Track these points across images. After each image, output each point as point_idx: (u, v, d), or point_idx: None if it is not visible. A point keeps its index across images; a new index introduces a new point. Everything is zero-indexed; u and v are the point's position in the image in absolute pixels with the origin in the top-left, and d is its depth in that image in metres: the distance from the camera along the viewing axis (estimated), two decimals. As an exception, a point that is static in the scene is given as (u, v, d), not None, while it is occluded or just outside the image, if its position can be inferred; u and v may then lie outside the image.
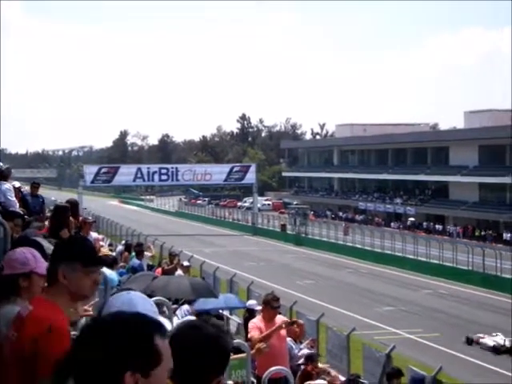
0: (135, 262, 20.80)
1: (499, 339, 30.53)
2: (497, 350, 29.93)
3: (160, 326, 2.32)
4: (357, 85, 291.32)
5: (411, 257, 55.69)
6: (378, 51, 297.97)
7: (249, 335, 11.19)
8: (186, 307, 15.87)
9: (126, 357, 2.20)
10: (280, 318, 11.50)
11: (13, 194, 12.22)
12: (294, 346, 14.51)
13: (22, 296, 4.55)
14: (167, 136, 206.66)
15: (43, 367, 3.58)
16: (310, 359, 13.55)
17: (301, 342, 15.96)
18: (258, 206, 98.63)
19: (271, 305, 11.28)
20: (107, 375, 2.20)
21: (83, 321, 5.66)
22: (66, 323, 3.98)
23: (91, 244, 4.42)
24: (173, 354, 2.34)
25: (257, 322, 11.33)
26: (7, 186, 11.98)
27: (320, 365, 15.28)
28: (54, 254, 4.19)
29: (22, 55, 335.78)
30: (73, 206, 11.28)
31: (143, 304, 3.36)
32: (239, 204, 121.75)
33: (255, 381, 10.51)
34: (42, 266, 4.60)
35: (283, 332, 11.24)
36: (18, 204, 12.39)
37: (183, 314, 15.11)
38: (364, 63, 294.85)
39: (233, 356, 8.22)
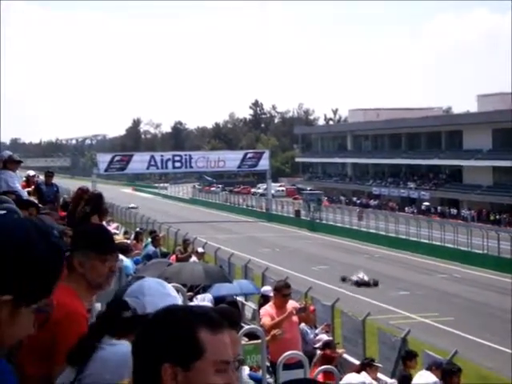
0: (150, 249, 20.86)
1: (361, 275, 40.63)
2: (358, 283, 39.99)
3: (209, 319, 2.23)
4: (369, 70, 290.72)
5: (426, 241, 55.65)
6: (390, 35, 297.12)
7: (260, 322, 11.27)
8: (209, 296, 15.74)
9: (165, 347, 2.16)
10: (292, 304, 11.55)
11: (16, 181, 12.23)
12: (308, 331, 14.55)
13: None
14: (180, 123, 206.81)
15: (61, 354, 3.60)
16: (328, 346, 13.58)
17: (315, 327, 15.99)
18: (272, 192, 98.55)
19: (282, 292, 11.35)
20: (145, 365, 2.18)
21: (98, 307, 5.70)
22: (84, 309, 4.02)
23: (107, 231, 4.44)
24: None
25: (268, 308, 11.40)
26: (10, 173, 12.01)
27: (337, 350, 15.32)
28: (72, 243, 4.23)
29: (33, 45, 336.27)
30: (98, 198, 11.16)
31: (155, 289, 3.38)
32: (253, 190, 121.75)
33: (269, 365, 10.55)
34: None
35: (295, 318, 11.29)
36: (25, 192, 12.44)
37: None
38: (376, 48, 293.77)
39: (247, 341, 8.26)
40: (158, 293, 3.33)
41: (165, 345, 2.16)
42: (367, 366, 13.14)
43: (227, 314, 3.09)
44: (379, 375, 16.59)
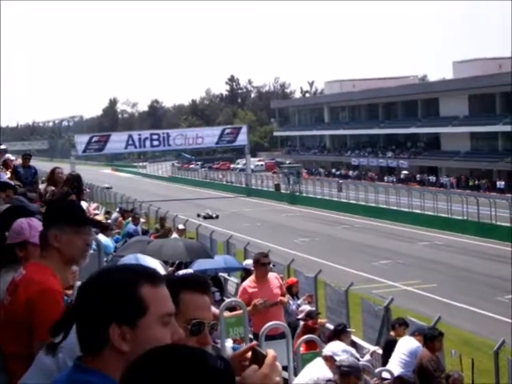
0: (131, 227, 20.89)
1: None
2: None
3: (148, 275, 2.27)
4: (344, 40, 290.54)
5: (406, 210, 55.81)
6: (364, 5, 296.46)
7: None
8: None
9: (110, 308, 2.18)
10: (272, 276, 11.52)
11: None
12: (291, 302, 14.61)
13: (22, 265, 4.57)
14: (157, 102, 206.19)
15: (39, 330, 3.60)
16: (310, 316, 13.67)
17: (298, 298, 16.08)
18: (251, 167, 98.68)
19: (261, 262, 11.27)
20: (93, 327, 2.19)
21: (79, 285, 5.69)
22: (59, 286, 4.00)
23: (79, 206, 4.44)
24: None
25: (248, 284, 11.28)
26: None
27: (319, 320, 15.42)
28: (44, 218, 4.21)
29: (6, 27, 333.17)
30: (76, 179, 11.14)
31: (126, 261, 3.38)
32: (232, 166, 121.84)
33: (252, 337, 10.56)
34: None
35: (277, 290, 11.23)
36: (5, 176, 12.44)
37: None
38: (350, 19, 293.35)
39: (229, 313, 8.28)
40: None
41: (109, 306, 2.18)
42: (340, 332, 13.27)
43: (196, 280, 3.10)
44: (364, 343, 16.75)
